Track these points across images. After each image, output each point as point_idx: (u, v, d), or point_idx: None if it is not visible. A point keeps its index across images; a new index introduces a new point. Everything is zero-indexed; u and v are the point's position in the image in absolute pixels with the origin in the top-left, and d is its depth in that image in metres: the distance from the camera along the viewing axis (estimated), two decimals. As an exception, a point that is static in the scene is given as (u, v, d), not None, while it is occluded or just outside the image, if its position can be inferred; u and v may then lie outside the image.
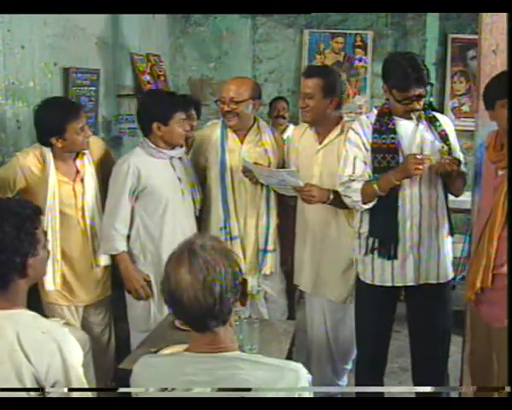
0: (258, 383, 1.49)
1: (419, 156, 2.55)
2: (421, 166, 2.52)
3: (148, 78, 4.63)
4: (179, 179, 3.01)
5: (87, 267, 2.93)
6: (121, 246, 2.92)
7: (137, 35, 4.66)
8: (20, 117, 3.17)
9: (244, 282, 1.60)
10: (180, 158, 3.06)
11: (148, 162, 2.93)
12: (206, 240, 1.58)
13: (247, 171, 3.02)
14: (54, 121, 2.74)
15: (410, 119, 2.67)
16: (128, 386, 1.62)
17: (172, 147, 2.99)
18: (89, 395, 1.69)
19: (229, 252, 1.60)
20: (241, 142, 3.12)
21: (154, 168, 2.94)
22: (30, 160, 2.77)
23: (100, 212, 2.95)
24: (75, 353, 1.70)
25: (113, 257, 2.98)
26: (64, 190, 2.82)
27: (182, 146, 3.05)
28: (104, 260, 2.97)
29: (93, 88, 3.84)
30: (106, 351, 3.10)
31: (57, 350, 1.64)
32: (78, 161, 2.88)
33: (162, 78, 4.86)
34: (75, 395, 1.64)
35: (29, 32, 3.21)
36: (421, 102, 2.64)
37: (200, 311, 1.51)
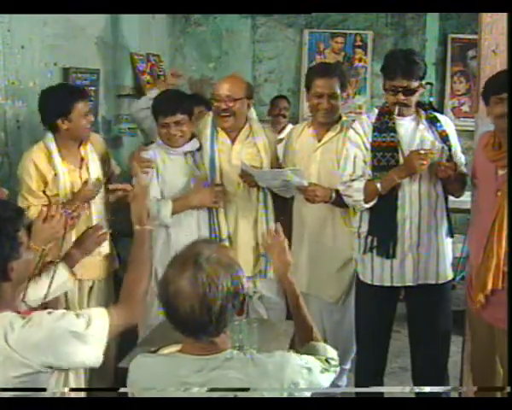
0: (249, 380, 1.48)
1: (422, 151, 2.56)
2: (425, 162, 2.53)
3: (147, 78, 4.63)
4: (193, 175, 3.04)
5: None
6: (167, 207, 2.92)
7: (137, 35, 4.66)
8: (20, 117, 3.17)
9: (244, 298, 1.55)
10: (193, 153, 3.05)
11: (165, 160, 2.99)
12: (213, 251, 1.52)
13: (245, 175, 2.97)
14: (61, 101, 2.79)
15: (405, 115, 2.67)
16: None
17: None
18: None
19: (234, 264, 1.54)
20: (233, 142, 3.07)
21: (171, 166, 3.00)
22: (36, 154, 2.81)
23: (102, 199, 2.96)
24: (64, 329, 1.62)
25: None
26: (72, 178, 2.85)
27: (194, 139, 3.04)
28: (104, 249, 2.95)
29: (93, 88, 3.84)
30: (108, 351, 3.09)
31: (46, 338, 1.58)
32: (81, 149, 2.92)
33: (162, 78, 4.85)
34: (74, 395, 1.64)
35: (29, 32, 3.21)
36: (411, 98, 2.63)
37: (195, 325, 1.49)
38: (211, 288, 1.46)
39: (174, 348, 1.65)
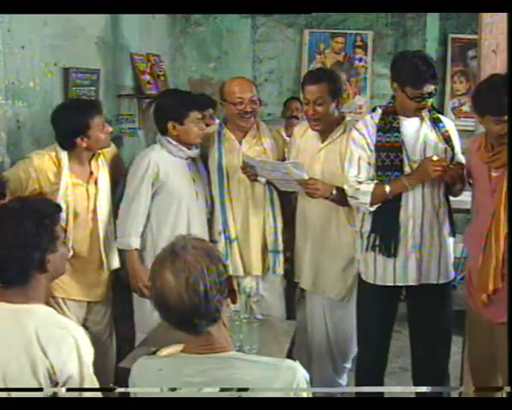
0: (255, 382, 1.49)
1: (435, 158, 2.56)
2: (439, 168, 2.53)
3: (148, 78, 4.63)
4: (193, 180, 3.03)
5: (94, 268, 2.93)
6: (134, 243, 2.93)
7: (137, 35, 4.65)
8: (20, 117, 3.16)
9: (230, 279, 1.59)
10: (194, 159, 3.07)
11: (166, 160, 2.95)
12: (189, 241, 1.57)
13: (246, 166, 2.98)
14: (78, 119, 2.74)
15: (419, 116, 2.68)
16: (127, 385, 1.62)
17: (189, 146, 2.99)
18: (87, 394, 1.69)
19: (213, 250, 1.60)
20: (240, 142, 3.11)
21: (171, 166, 2.95)
22: (46, 163, 2.76)
23: (111, 213, 2.97)
24: (89, 351, 1.75)
25: (121, 254, 3.00)
26: (77, 192, 2.83)
27: (197, 146, 3.04)
28: (115, 263, 2.97)
29: (93, 88, 3.83)
30: (106, 351, 3.09)
31: (75, 346, 1.69)
32: (92, 163, 2.89)
33: (162, 78, 4.85)
34: (74, 395, 1.64)
35: (29, 32, 3.20)
36: (432, 100, 2.64)
37: (187, 312, 1.50)
38: (190, 271, 1.49)
39: (176, 348, 1.65)
